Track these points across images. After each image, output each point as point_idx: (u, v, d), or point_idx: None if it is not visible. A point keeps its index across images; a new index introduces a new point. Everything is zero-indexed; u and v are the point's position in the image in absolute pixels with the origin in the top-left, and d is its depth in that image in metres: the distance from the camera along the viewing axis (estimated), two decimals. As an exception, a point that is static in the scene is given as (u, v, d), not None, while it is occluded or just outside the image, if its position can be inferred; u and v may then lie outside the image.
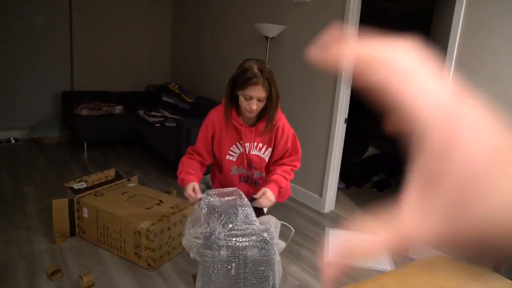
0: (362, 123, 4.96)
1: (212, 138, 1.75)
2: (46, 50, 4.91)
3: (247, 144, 1.70)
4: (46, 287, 2.12)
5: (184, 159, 1.81)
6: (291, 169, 1.83)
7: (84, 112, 4.77)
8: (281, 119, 1.71)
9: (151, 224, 2.31)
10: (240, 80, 1.53)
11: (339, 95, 3.19)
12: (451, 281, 1.49)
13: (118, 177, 2.99)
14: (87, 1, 5.01)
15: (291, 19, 3.59)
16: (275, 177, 1.72)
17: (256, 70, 1.52)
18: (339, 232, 3.07)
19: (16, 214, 2.93)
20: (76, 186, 2.69)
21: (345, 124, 3.32)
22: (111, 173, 2.99)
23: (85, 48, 5.15)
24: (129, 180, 3.03)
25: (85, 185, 2.75)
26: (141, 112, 4.84)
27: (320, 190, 3.48)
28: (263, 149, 1.72)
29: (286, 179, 1.76)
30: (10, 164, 4.03)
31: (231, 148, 1.72)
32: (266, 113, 1.64)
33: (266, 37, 3.61)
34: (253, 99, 1.53)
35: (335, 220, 3.31)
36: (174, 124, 4.55)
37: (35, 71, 4.90)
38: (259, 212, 1.71)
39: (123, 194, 2.72)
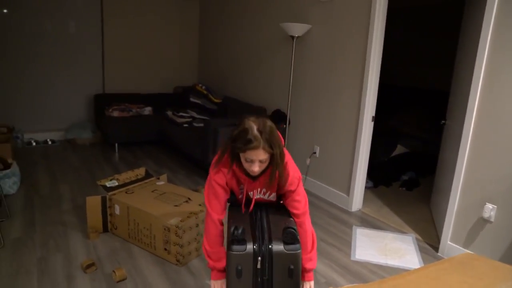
0: (390, 121, 4.87)
1: (220, 195, 1.68)
2: (79, 55, 5.12)
3: (251, 192, 1.69)
4: (81, 279, 2.21)
5: (209, 228, 1.68)
6: (306, 226, 1.69)
7: (115, 114, 4.93)
8: (286, 168, 1.59)
9: (180, 221, 2.36)
10: (239, 143, 1.45)
11: (366, 92, 3.15)
12: (483, 280, 1.45)
13: (147, 175, 3.08)
14: (117, 6, 5.18)
15: (317, 18, 3.59)
16: (306, 265, 1.67)
17: (255, 132, 1.42)
18: (366, 231, 3.03)
19: (52, 210, 3.08)
20: (108, 184, 2.80)
21: (373, 122, 3.28)
22: (141, 171, 3.08)
23: (116, 52, 5.33)
24: (159, 178, 3.11)
25: (117, 183, 2.85)
26: (169, 113, 4.96)
27: (348, 189, 3.45)
28: (267, 193, 1.71)
29: (312, 247, 1.69)
30: (47, 163, 4.23)
31: (239, 188, 1.71)
32: (269, 167, 1.56)
33: (292, 37, 3.62)
34: (255, 161, 1.48)
35: (363, 219, 3.27)
36: (202, 125, 4.63)
37: (69, 75, 5.11)
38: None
39: (152, 192, 2.80)
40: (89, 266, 2.29)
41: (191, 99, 5.21)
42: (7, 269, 2.27)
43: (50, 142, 4.98)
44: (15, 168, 3.46)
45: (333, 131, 3.53)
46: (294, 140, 4.02)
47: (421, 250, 2.79)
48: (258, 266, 1.41)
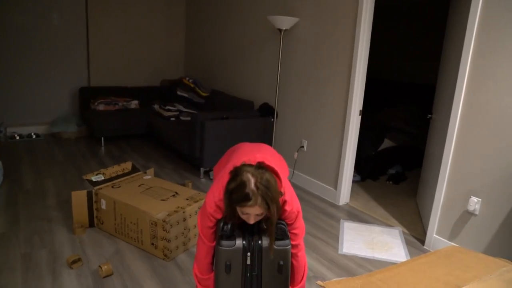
0: (378, 115, 4.91)
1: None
2: (64, 47, 5.00)
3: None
4: (67, 275, 2.18)
5: (200, 251, 1.66)
6: (299, 258, 1.65)
7: (101, 107, 4.85)
8: (285, 204, 1.55)
9: (167, 215, 2.34)
10: (236, 197, 1.40)
11: (353, 86, 3.16)
12: (468, 272, 1.47)
13: (134, 169, 3.04)
14: (102, -3, 5.07)
15: (305, 11, 3.57)
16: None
17: (252, 187, 1.37)
18: (354, 225, 3.06)
19: (37, 206, 3.02)
20: (94, 178, 2.75)
21: (360, 116, 3.29)
22: (127, 166, 3.04)
23: (101, 44, 5.23)
24: (145, 172, 3.08)
25: (103, 178, 2.81)
26: (156, 106, 4.90)
27: (335, 183, 3.47)
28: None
29: (302, 279, 1.66)
30: (31, 157, 4.14)
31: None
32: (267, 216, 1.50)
33: (280, 30, 3.60)
34: (251, 215, 1.44)
35: (350, 213, 3.30)
36: (189, 118, 4.59)
37: (53, 68, 5.00)
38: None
39: (139, 186, 2.76)
40: (75, 261, 2.25)
41: (178, 93, 5.16)
42: (-11, 266, 2.23)
43: (34, 136, 4.87)
44: (-3, 162, 3.38)
45: (320, 124, 3.54)
46: (281, 133, 4.02)
47: (408, 243, 2.83)
48: (248, 262, 1.40)
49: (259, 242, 1.40)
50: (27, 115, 4.98)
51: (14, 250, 2.40)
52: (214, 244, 1.61)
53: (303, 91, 3.69)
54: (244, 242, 1.39)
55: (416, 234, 2.98)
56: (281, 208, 1.49)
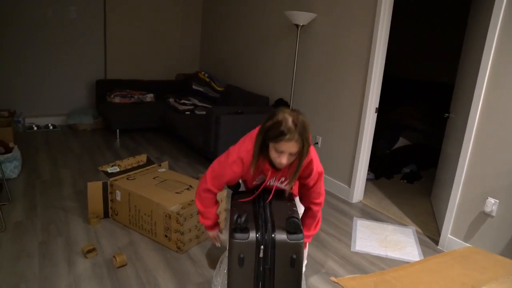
0: (393, 113, 4.85)
1: (240, 176, 1.70)
2: (81, 40, 5.07)
3: (270, 180, 1.69)
4: (82, 264, 2.22)
5: (204, 197, 1.76)
6: (313, 211, 1.78)
7: (117, 100, 4.91)
8: (311, 162, 1.60)
9: (181, 208, 2.36)
10: (273, 133, 1.44)
11: (370, 84, 3.13)
12: (485, 273, 1.45)
13: (149, 162, 3.07)
14: (120, -9, 5.12)
15: (322, 6, 3.54)
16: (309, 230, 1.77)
17: (290, 124, 1.42)
18: (367, 223, 3.03)
19: (53, 195, 3.08)
20: (109, 170, 2.79)
21: (376, 114, 3.26)
22: (142, 158, 3.07)
23: (118, 38, 5.28)
24: (160, 165, 3.10)
25: (118, 169, 2.84)
26: (171, 100, 4.93)
27: (349, 180, 3.44)
28: (285, 182, 1.70)
29: (315, 229, 1.80)
30: (48, 148, 4.22)
31: (257, 177, 1.71)
32: (294, 160, 1.56)
33: (297, 25, 3.58)
34: (285, 153, 1.47)
35: (363, 211, 3.27)
36: (204, 112, 4.61)
37: (71, 61, 5.07)
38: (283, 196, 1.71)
39: (154, 178, 2.79)
40: (90, 251, 2.29)
41: (194, 87, 5.18)
42: (8, 253, 2.28)
43: (51, 127, 4.96)
44: (16, 152, 3.45)
45: (336, 121, 3.51)
46: (296, 130, 4.00)
47: (421, 242, 2.79)
48: (261, 255, 1.40)
49: (273, 235, 1.40)
50: (45, 107, 5.07)
51: (31, 237, 2.46)
52: (217, 191, 1.71)
53: (319, 87, 3.67)
54: (257, 235, 1.39)
55: (430, 234, 2.94)
56: (309, 152, 1.52)
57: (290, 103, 3.89)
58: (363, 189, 3.47)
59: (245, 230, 1.40)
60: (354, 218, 3.11)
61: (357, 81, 3.26)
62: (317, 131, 3.72)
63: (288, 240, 1.40)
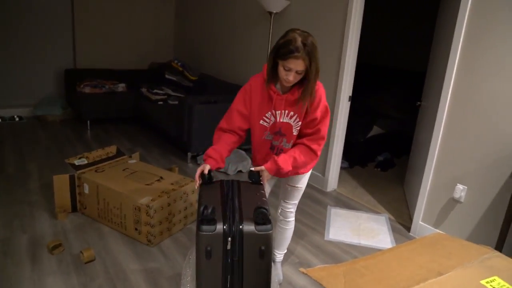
0: (368, 100, 4.88)
1: (249, 102, 1.77)
2: (48, 27, 4.84)
3: (278, 112, 1.73)
4: (47, 261, 2.13)
5: (219, 134, 1.84)
6: (308, 150, 1.77)
7: (87, 90, 4.73)
8: (318, 90, 1.69)
9: (151, 200, 2.30)
10: (282, 51, 1.55)
11: (343, 72, 3.11)
12: (452, 259, 1.47)
13: (119, 153, 2.98)
14: (88, -25, 4.90)
15: (296, -7, 3.49)
16: (279, 157, 1.71)
17: (299, 43, 1.52)
18: (341, 211, 3.05)
19: (19, 189, 2.95)
20: (77, 162, 2.69)
21: (349, 102, 3.25)
22: (112, 149, 2.97)
23: (88, 25, 5.07)
24: (131, 156, 3.02)
25: (86, 162, 2.74)
26: (144, 89, 4.80)
27: (323, 169, 3.45)
28: (294, 117, 1.73)
29: (295, 159, 1.73)
30: (13, 141, 4.04)
31: (266, 115, 1.75)
32: (300, 84, 1.66)
33: (270, 13, 3.52)
34: (292, 71, 1.57)
35: (338, 199, 3.29)
36: (177, 102, 4.51)
37: (38, 49, 4.84)
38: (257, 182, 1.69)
39: (124, 170, 2.71)
40: (55, 247, 2.21)
41: (167, 76, 5.06)
42: (-33, 251, 2.17)
43: (17, 119, 4.75)
44: (-23, 145, 3.28)
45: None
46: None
47: (394, 230, 2.83)
48: (228, 247, 1.37)
49: (240, 226, 1.36)
50: (10, 97, 4.83)
51: (-7, 234, 2.34)
52: (230, 127, 1.80)
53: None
54: (224, 227, 1.35)
55: (403, 221, 2.98)
56: (318, 73, 1.61)
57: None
58: (337, 178, 3.48)
59: (212, 221, 1.36)
60: (328, 207, 3.12)
61: (331, 69, 3.24)
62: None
63: (256, 231, 1.37)
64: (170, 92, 4.78)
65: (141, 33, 5.54)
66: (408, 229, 2.85)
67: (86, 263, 2.14)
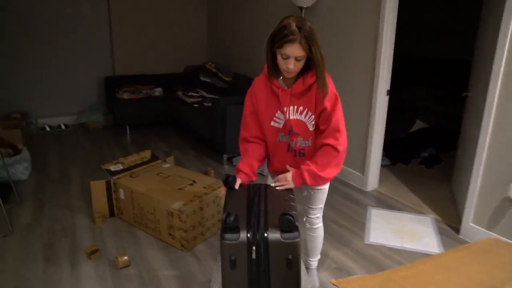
0: (405, 94, 4.61)
1: (256, 104, 1.68)
2: (88, 38, 5.02)
3: (285, 108, 1.61)
4: (85, 265, 2.18)
5: (244, 146, 1.76)
6: (326, 148, 1.63)
7: (125, 96, 4.86)
8: (329, 83, 1.59)
9: (183, 205, 2.28)
10: (277, 38, 1.46)
11: (380, 65, 2.94)
12: (507, 269, 1.30)
13: (153, 158, 3.00)
14: (123, -16, 5.03)
15: (327, -15, 3.35)
16: (304, 166, 1.62)
17: (294, 27, 1.42)
18: (382, 212, 2.88)
19: (62, 195, 3.06)
20: (113, 168, 2.74)
21: (387, 97, 3.07)
22: (146, 154, 3.00)
23: (124, 33, 5.21)
24: (165, 160, 3.03)
25: (122, 167, 2.78)
26: (179, 93, 4.85)
27: (362, 167, 3.28)
28: (304, 112, 1.61)
29: (318, 164, 1.61)
30: (59, 148, 4.22)
31: (276, 115, 1.65)
32: (303, 74, 1.55)
33: (301, 8, 3.40)
34: (290, 58, 1.46)
35: (378, 199, 3.11)
36: (211, 104, 4.51)
37: (79, 59, 5.04)
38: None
39: (157, 175, 2.72)
40: (93, 252, 2.25)
41: (201, 78, 5.08)
42: (14, 255, 2.27)
43: (63, 127, 4.98)
44: (25, 153, 3.45)
45: (346, 107, 3.34)
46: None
47: (441, 232, 2.62)
48: (253, 256, 1.30)
49: (265, 234, 1.28)
50: (56, 107, 5.07)
51: (37, 239, 2.44)
52: (251, 134, 1.73)
53: (327, 71, 3.49)
54: (248, 235, 1.28)
55: (451, 222, 2.76)
56: (323, 57, 1.51)
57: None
58: (378, 176, 3.30)
59: (235, 229, 1.29)
60: (368, 207, 2.96)
61: (367, 63, 3.07)
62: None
63: (282, 240, 1.29)
64: (205, 94, 4.79)
65: (176, 38, 5.61)
66: (457, 231, 2.62)
67: (121, 268, 2.16)
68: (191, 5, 5.60)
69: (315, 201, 1.83)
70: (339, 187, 3.33)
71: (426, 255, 2.26)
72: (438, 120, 4.11)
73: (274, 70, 1.58)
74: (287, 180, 1.62)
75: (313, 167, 1.61)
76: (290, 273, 1.32)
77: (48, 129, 4.88)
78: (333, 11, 3.32)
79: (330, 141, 1.61)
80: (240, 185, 1.61)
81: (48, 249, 2.34)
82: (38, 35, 4.76)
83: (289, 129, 1.64)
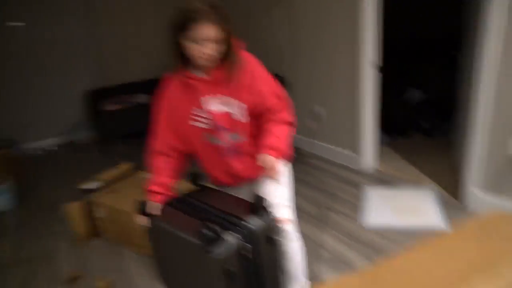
0: (396, 66, 4.34)
1: (169, 105, 1.44)
2: (65, 54, 4.88)
3: (202, 99, 1.35)
4: (67, 295, 2.05)
5: (154, 163, 1.55)
6: (282, 123, 1.41)
7: (110, 107, 4.71)
8: (250, 62, 1.36)
9: (161, 216, 2.13)
10: (181, 21, 1.22)
11: (363, 35, 2.73)
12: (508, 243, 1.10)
13: (134, 170, 2.86)
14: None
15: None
16: (267, 139, 1.36)
17: (197, 4, 1.21)
18: (379, 192, 2.69)
19: (48, 221, 2.92)
20: (88, 186, 2.60)
21: (377, 71, 2.84)
22: (127, 167, 2.86)
23: (103, 43, 5.05)
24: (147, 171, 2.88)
25: (99, 184, 2.64)
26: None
27: (354, 146, 3.09)
28: (230, 102, 1.34)
29: (278, 137, 1.37)
30: (46, 172, 4.10)
31: (194, 111, 1.37)
32: (225, 59, 1.31)
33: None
34: (205, 41, 1.22)
35: (376, 178, 2.93)
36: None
37: (56, 77, 4.91)
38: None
39: (139, 187, 2.57)
40: (74, 278, 2.12)
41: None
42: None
43: (51, 148, 4.86)
44: (9, 183, 3.34)
45: (332, 86, 3.14)
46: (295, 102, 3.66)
47: (444, 204, 2.43)
48: (250, 256, 1.14)
49: (251, 227, 1.15)
50: (42, 129, 4.95)
51: (15, 272, 2.31)
52: (163, 143, 1.51)
53: (312, 56, 3.28)
54: (232, 237, 1.12)
55: (453, 191, 2.56)
56: (231, 36, 1.28)
57: (283, 77, 3.54)
58: (375, 154, 3.10)
59: (218, 239, 1.11)
60: (365, 187, 2.77)
61: (349, 36, 2.86)
62: (317, 101, 3.35)
63: (266, 223, 1.17)
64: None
65: (153, 41, 5.44)
66: (460, 199, 2.43)
67: (103, 292, 2.03)
68: (164, 12, 5.43)
69: (275, 193, 1.47)
70: (333, 170, 3.14)
71: (431, 232, 2.08)
72: (438, 89, 3.87)
73: (184, 62, 1.33)
74: (273, 165, 1.31)
75: (273, 138, 1.37)
76: (272, 248, 1.22)
77: (36, 152, 4.78)
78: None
79: (282, 115, 1.41)
80: (162, 207, 1.41)
81: (26, 283, 2.20)
82: (17, 61, 4.63)
83: (214, 124, 1.38)
